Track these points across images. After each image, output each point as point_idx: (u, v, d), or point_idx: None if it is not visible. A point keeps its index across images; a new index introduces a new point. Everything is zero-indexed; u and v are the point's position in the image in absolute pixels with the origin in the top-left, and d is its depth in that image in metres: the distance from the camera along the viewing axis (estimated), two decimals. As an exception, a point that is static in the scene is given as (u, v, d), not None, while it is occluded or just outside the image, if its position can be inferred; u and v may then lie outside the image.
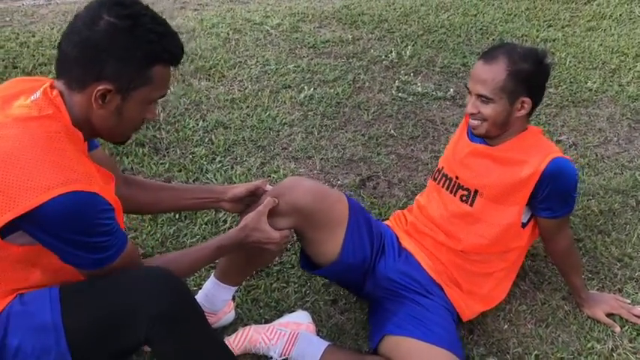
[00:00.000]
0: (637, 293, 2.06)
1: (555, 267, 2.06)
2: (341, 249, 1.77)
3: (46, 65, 3.05)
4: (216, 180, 2.43)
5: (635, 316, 1.94)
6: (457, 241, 1.84)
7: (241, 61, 3.27)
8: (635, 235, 2.27)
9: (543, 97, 1.86)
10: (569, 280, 1.98)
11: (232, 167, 2.52)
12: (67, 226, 1.21)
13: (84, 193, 1.20)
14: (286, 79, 3.13)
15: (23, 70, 2.99)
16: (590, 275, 2.12)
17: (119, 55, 1.26)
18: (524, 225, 1.83)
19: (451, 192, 1.88)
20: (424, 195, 2.01)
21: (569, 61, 3.44)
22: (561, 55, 3.50)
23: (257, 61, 3.27)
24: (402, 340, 1.70)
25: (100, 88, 1.26)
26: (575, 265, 1.96)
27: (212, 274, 1.84)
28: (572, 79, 3.28)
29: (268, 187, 1.77)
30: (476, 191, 1.83)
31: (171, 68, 1.36)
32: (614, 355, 1.85)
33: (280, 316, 1.91)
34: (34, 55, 3.14)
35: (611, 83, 3.28)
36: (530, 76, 1.73)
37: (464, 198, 1.85)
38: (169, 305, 1.30)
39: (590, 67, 3.42)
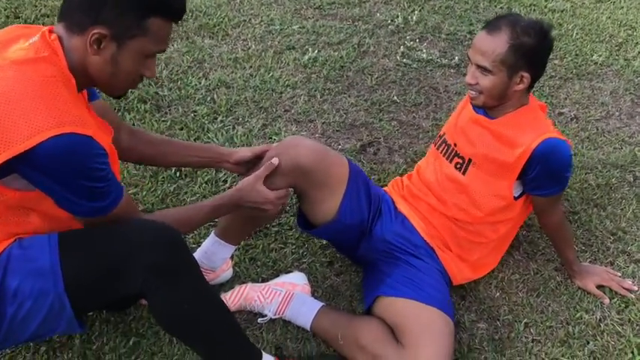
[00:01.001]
0: (628, 267, 2.09)
1: (550, 240, 2.09)
2: (339, 209, 1.79)
3: (48, 17, 3.02)
4: (217, 140, 2.43)
5: (625, 288, 1.99)
6: (447, 207, 1.87)
7: (245, 20, 3.24)
8: (630, 210, 2.30)
9: (545, 71, 1.84)
10: (562, 253, 2.01)
11: (234, 127, 2.52)
12: (61, 167, 1.23)
13: (77, 135, 1.21)
14: (290, 40, 3.10)
15: (25, 21, 2.96)
16: (583, 248, 2.15)
17: (117, 1, 1.27)
18: (515, 199, 1.85)
19: (448, 158, 1.90)
20: (424, 160, 2.03)
21: (576, 33, 3.40)
22: (568, 27, 3.46)
23: (261, 21, 3.24)
24: (394, 300, 1.74)
25: (95, 31, 1.27)
26: (567, 238, 1.99)
27: (212, 232, 1.87)
28: (577, 52, 3.26)
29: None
30: (469, 160, 1.84)
31: (173, 25, 1.36)
32: (601, 325, 1.89)
33: (277, 275, 1.94)
34: (36, 6, 3.10)
35: (616, 57, 3.25)
36: (531, 50, 1.71)
37: (458, 165, 1.86)
38: (165, 256, 1.32)
39: (597, 39, 3.39)
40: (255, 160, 1.77)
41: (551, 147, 1.74)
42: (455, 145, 1.89)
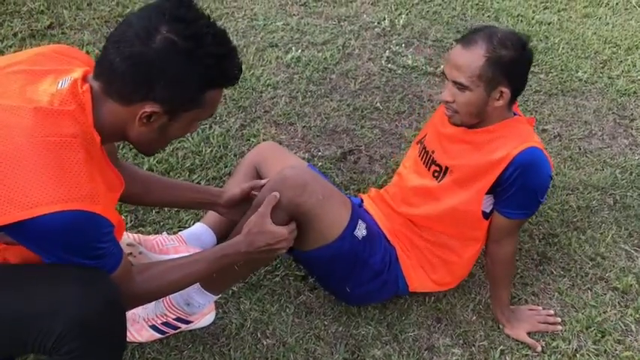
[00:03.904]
0: (605, 294, 2.06)
1: (488, 274, 1.93)
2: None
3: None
4: (192, 139, 2.33)
5: (551, 324, 1.90)
6: (413, 208, 1.82)
7: (228, 13, 3.12)
8: (610, 235, 2.27)
9: (525, 85, 1.75)
10: (497, 292, 1.87)
11: (210, 127, 2.42)
12: (57, 244, 1.12)
13: (84, 212, 1.10)
14: (274, 37, 3.00)
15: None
16: (562, 272, 2.12)
17: (173, 79, 1.15)
18: (486, 215, 1.76)
19: (426, 165, 1.84)
20: (407, 158, 2.00)
21: (562, 48, 3.37)
22: (555, 41, 3.43)
23: (245, 15, 3.13)
24: None
25: (147, 110, 1.16)
26: (509, 276, 1.87)
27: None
28: (563, 67, 3.23)
29: (262, 182, 1.69)
30: (447, 169, 1.77)
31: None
32: (577, 355, 1.86)
33: (248, 288, 1.86)
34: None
35: (601, 75, 3.23)
36: (510, 63, 1.61)
37: (436, 174, 1.80)
38: (98, 314, 1.15)
39: (582, 55, 3.36)
40: (247, 204, 1.66)
41: (533, 157, 1.65)
42: (433, 152, 1.83)
